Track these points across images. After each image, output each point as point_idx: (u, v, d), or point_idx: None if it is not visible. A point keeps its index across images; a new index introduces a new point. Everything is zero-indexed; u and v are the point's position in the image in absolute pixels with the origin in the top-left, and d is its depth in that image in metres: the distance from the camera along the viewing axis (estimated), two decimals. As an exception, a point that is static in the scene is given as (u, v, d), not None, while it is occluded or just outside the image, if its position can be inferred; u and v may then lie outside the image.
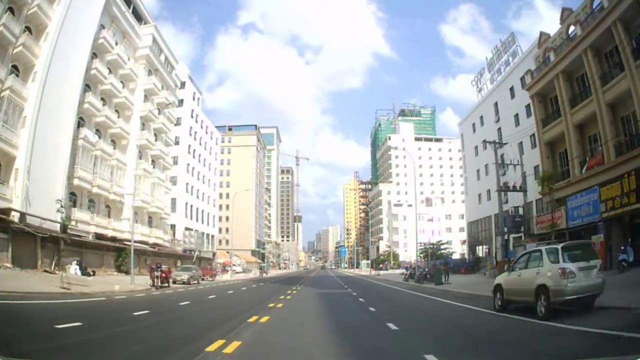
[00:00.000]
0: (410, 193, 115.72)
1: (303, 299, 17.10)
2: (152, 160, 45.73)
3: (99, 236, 34.24)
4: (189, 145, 62.00)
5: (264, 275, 53.23)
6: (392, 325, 8.91)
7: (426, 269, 28.55)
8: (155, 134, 46.57)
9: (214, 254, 64.48)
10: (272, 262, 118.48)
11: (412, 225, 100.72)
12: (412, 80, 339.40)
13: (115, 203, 39.29)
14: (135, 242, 40.09)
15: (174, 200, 55.44)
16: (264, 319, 9.91)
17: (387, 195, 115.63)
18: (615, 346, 6.30)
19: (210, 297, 18.33)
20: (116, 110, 40.08)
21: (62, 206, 17.84)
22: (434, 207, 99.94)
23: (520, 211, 27.92)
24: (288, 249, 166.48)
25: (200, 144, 66.44)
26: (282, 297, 17.23)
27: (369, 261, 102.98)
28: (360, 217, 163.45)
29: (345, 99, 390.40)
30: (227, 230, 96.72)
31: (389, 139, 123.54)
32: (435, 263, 41.21)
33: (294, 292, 21.07)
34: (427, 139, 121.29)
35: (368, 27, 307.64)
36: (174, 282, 26.65)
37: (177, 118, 58.31)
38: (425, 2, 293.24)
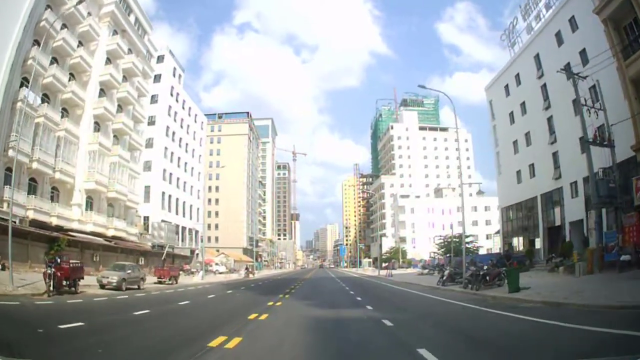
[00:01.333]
0: (415, 185, 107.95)
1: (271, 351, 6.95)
2: (115, 136, 37.94)
3: (39, 224, 27.03)
4: (167, 127, 54.06)
5: (250, 276, 45.06)
6: None
7: (484, 268, 19.20)
8: (119, 105, 38.80)
9: (192, 251, 56.23)
10: (266, 261, 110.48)
11: (420, 218, 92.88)
12: (410, 78, 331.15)
13: (63, 184, 31.99)
14: (86, 233, 32.72)
15: (147, 188, 47.80)
16: None
17: (390, 188, 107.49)
18: None
19: (73, 325, 8.59)
20: (71, 74, 33.41)
21: None
22: (445, 198, 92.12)
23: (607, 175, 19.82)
24: (285, 247, 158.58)
25: (181, 127, 58.50)
26: (219, 341, 7.08)
27: (370, 260, 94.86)
28: (360, 213, 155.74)
29: (342, 97, 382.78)
30: (216, 226, 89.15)
31: (392, 128, 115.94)
32: (459, 259, 33.38)
33: (264, 317, 10.66)
34: (431, 129, 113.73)
35: (364, 26, 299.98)
36: (102, 287, 18.72)
37: (153, 95, 50.71)
38: (421, 0, 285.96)
